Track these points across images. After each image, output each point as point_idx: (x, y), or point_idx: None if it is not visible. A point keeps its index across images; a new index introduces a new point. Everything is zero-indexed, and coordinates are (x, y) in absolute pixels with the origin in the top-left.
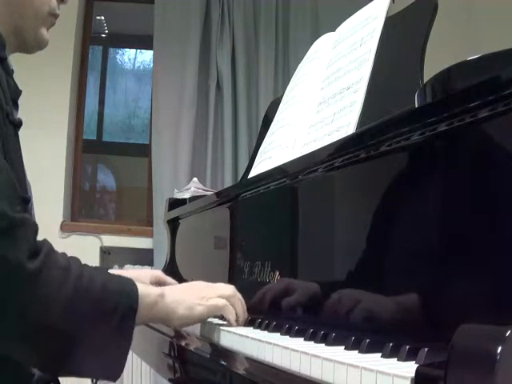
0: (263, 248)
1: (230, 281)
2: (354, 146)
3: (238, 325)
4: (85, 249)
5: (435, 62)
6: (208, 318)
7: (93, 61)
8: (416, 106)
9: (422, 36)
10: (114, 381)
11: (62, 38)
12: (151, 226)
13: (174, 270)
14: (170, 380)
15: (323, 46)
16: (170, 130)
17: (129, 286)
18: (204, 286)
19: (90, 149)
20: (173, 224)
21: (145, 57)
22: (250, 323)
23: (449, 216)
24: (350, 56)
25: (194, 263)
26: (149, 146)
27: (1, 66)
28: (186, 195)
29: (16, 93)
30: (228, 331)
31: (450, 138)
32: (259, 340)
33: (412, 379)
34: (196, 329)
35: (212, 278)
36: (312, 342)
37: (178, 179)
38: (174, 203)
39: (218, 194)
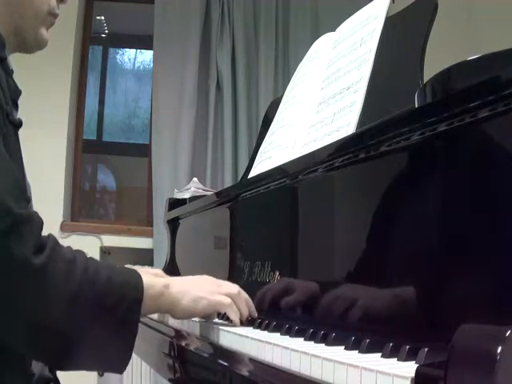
0: (263, 248)
1: (230, 281)
2: (354, 146)
3: (242, 324)
4: (85, 249)
5: (435, 62)
6: (212, 312)
7: (93, 61)
8: (416, 105)
9: (422, 36)
10: (121, 373)
11: (62, 38)
12: (151, 226)
13: (173, 270)
14: (169, 380)
15: (323, 46)
16: (169, 130)
17: (134, 278)
18: (210, 281)
19: (90, 149)
20: (173, 224)
21: (145, 57)
22: (249, 323)
23: (449, 216)
24: (350, 56)
25: (194, 263)
26: (149, 146)
27: (1, 66)
28: (186, 195)
29: (16, 93)
30: (228, 331)
31: (450, 138)
32: (259, 340)
33: (412, 379)
34: (196, 329)
35: None
36: (312, 342)
37: (178, 179)
38: (174, 203)
39: (218, 194)
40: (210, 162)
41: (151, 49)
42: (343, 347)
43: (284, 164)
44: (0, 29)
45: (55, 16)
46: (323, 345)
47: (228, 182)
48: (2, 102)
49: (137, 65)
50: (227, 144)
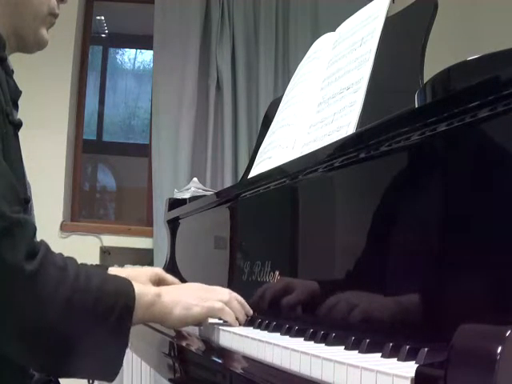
0: (263, 248)
1: (230, 281)
2: (354, 146)
3: (239, 324)
4: (85, 249)
5: (435, 62)
6: (205, 319)
7: (93, 61)
8: (416, 105)
9: (422, 36)
10: (111, 381)
11: (62, 38)
12: (151, 226)
13: (173, 270)
14: (169, 380)
15: (323, 46)
16: (169, 130)
17: (126, 286)
18: (201, 288)
19: (89, 149)
20: (173, 224)
21: (145, 57)
22: (249, 323)
23: (449, 216)
24: (350, 56)
25: (194, 263)
26: (149, 146)
27: (1, 67)
28: (186, 195)
29: (16, 93)
30: (228, 331)
31: (449, 138)
32: (259, 340)
33: (412, 379)
34: (196, 329)
35: (212, 278)
36: (312, 342)
37: (178, 179)
38: (174, 203)
39: (218, 194)
40: (210, 162)
41: (151, 49)
42: (343, 347)
43: (284, 164)
44: (0, 29)
45: (55, 16)
46: (323, 345)
47: (228, 182)
48: (2, 103)
49: (137, 65)
50: (227, 144)
